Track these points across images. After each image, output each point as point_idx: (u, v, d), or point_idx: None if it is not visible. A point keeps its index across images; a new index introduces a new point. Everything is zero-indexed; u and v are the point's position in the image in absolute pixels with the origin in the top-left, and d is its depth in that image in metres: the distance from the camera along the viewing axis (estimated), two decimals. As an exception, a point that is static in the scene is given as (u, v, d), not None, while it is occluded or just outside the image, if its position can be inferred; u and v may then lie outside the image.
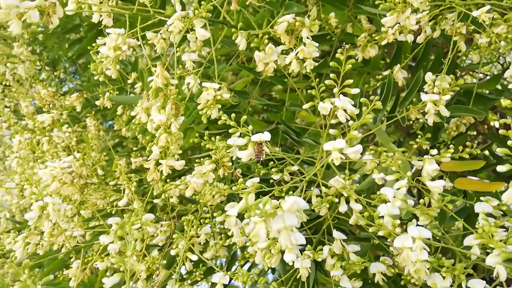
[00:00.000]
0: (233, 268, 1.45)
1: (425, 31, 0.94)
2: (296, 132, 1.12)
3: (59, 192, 0.94)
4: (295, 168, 0.84)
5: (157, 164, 0.85)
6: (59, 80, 2.75)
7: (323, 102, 0.67)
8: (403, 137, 1.22)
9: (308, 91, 0.84)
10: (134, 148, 1.91)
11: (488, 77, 1.57)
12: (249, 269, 1.05)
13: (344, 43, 0.70)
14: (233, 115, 0.69)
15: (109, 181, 1.40)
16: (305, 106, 0.84)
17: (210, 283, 1.37)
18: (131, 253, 0.62)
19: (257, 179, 0.70)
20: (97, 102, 1.40)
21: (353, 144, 0.63)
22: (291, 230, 0.52)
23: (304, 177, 0.77)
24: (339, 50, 0.66)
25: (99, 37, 0.80)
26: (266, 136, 0.67)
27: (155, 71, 0.77)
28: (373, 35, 1.06)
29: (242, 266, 0.94)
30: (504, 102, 1.28)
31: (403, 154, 0.81)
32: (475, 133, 2.01)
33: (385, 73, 1.05)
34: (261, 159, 0.66)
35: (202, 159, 0.88)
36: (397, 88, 1.06)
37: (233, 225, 0.75)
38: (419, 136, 0.90)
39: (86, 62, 2.12)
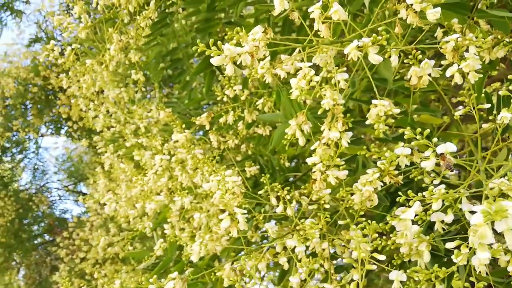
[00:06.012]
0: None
1: None
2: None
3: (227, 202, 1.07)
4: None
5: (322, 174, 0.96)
6: (146, 98, 3.01)
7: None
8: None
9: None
10: (238, 158, 2.06)
11: None
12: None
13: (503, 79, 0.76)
14: (418, 129, 0.78)
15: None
16: (458, 112, 0.92)
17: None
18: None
19: (443, 185, 0.78)
20: (220, 120, 1.56)
21: None
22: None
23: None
24: (506, 84, 0.73)
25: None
26: (451, 147, 0.75)
27: (325, 94, 0.87)
28: (502, 37, 1.10)
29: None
30: None
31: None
32: None
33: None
34: (452, 168, 0.74)
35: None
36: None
37: (409, 229, 0.83)
38: None
39: (184, 81, 2.29)
